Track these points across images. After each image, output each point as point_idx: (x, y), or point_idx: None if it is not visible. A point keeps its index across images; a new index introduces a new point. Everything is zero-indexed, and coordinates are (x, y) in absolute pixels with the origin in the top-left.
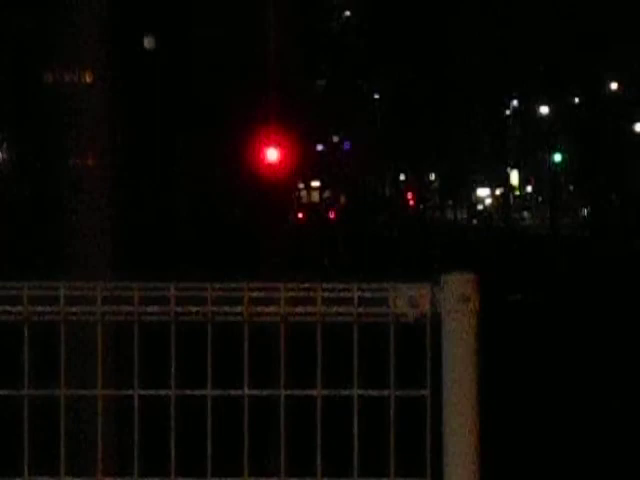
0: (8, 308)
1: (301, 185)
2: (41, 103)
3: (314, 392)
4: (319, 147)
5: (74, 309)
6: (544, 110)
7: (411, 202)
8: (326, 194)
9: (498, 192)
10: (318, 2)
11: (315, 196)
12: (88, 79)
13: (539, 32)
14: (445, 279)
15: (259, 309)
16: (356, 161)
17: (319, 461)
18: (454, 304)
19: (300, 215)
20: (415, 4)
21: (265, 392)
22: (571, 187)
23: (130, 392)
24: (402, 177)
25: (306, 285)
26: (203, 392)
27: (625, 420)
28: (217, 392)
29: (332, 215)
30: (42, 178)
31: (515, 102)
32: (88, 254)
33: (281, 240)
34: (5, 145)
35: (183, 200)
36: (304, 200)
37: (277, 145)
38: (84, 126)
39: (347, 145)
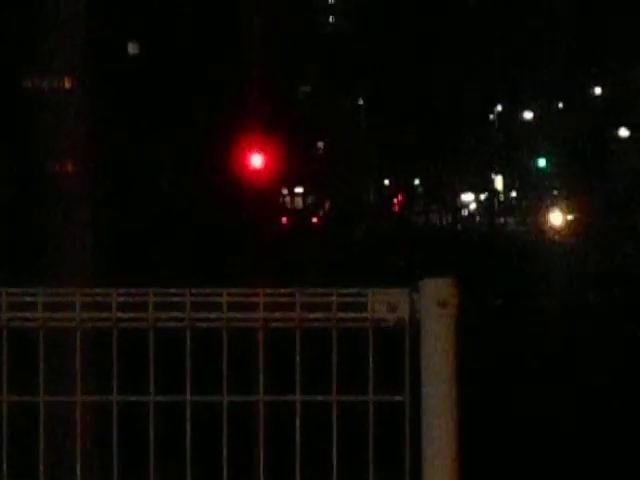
0: None
1: (285, 191)
2: (20, 108)
3: (293, 398)
4: (303, 153)
5: (53, 315)
6: (528, 115)
7: (396, 208)
8: (309, 200)
9: (482, 197)
10: (303, 7)
11: (299, 202)
12: (67, 85)
13: (524, 38)
14: (423, 284)
15: (238, 315)
16: (340, 167)
17: (298, 467)
18: (432, 309)
19: (284, 220)
20: (401, 9)
21: (243, 398)
22: (555, 192)
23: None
24: (386, 182)
25: (285, 290)
26: (182, 398)
27: (608, 425)
28: (197, 398)
29: (315, 220)
30: (21, 183)
31: (499, 107)
32: (66, 259)
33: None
34: None
35: (166, 206)
36: (288, 206)
37: (261, 151)
38: (64, 132)
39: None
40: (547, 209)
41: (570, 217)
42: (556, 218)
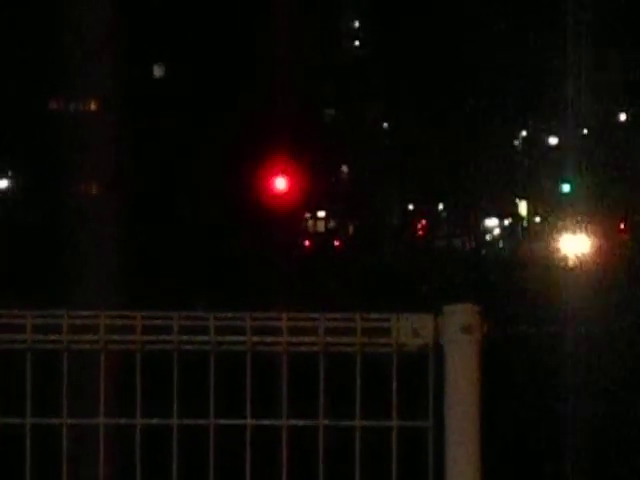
0: (12, 336)
1: (308, 215)
2: (47, 131)
3: (317, 422)
4: (327, 177)
5: (77, 337)
6: (553, 141)
7: (420, 232)
8: (331, 224)
9: (507, 222)
10: (328, 31)
11: (321, 226)
12: (94, 107)
13: (548, 64)
14: (447, 309)
15: (262, 339)
16: (364, 191)
17: None
18: (456, 334)
19: (307, 243)
20: (424, 34)
21: (267, 422)
22: (579, 217)
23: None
24: (411, 207)
25: (309, 315)
26: (206, 422)
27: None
28: (220, 421)
29: (337, 243)
30: (48, 205)
31: (524, 132)
32: (93, 280)
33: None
34: (10, 173)
35: (191, 228)
36: (310, 229)
37: (285, 174)
38: (90, 154)
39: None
40: (569, 235)
41: (592, 243)
42: (578, 244)
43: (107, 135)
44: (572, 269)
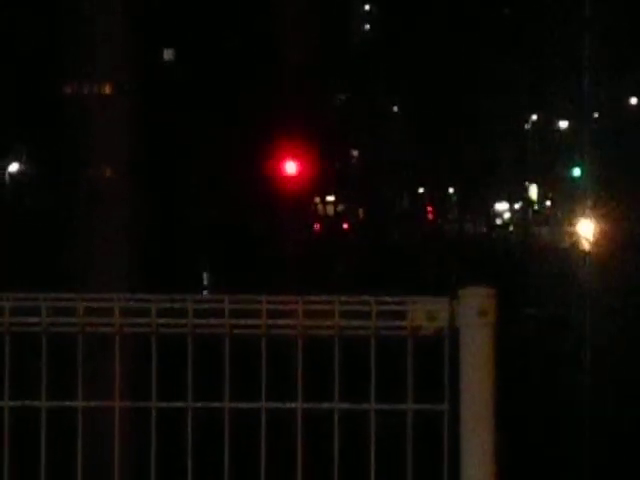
0: (26, 319)
1: (317, 199)
2: (61, 115)
3: (331, 405)
4: (338, 161)
5: (91, 320)
6: (563, 124)
7: (430, 216)
8: (340, 207)
9: (517, 206)
10: (339, 15)
11: (330, 210)
12: (107, 91)
13: (559, 49)
14: (463, 293)
15: (277, 322)
16: (374, 175)
17: (336, 474)
18: (472, 318)
19: (317, 226)
20: (436, 19)
21: (281, 405)
22: (589, 202)
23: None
24: (421, 190)
25: (324, 298)
26: (219, 405)
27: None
28: (235, 405)
29: (346, 226)
30: (62, 189)
31: (534, 116)
32: (107, 264)
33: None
34: (24, 157)
35: (202, 210)
36: (320, 213)
37: (296, 158)
38: (104, 137)
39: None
40: (579, 219)
41: (600, 227)
42: (586, 228)
43: (120, 119)
44: (581, 253)
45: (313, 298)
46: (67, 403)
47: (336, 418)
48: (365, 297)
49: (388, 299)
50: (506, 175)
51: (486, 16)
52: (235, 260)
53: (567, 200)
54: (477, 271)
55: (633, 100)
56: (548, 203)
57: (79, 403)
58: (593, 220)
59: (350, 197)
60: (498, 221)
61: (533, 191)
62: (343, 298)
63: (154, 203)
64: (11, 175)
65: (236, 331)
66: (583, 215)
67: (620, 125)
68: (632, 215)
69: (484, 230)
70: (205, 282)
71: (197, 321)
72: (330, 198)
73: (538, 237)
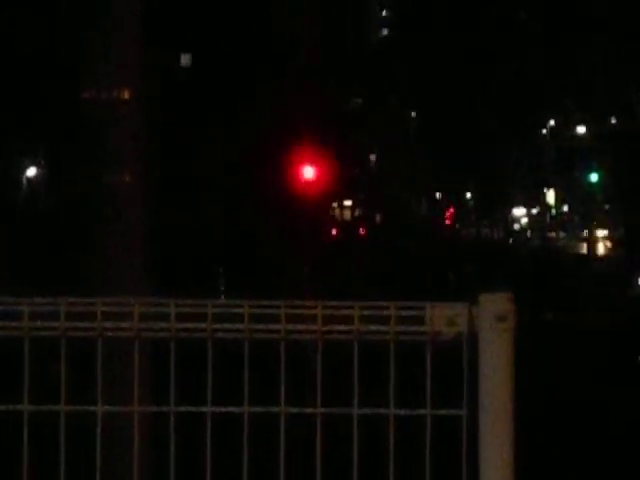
0: (43, 324)
1: (335, 204)
2: (78, 120)
3: (350, 410)
4: (355, 166)
5: (110, 325)
6: (581, 130)
7: (447, 221)
8: (357, 213)
9: (534, 211)
10: (356, 20)
11: (347, 214)
12: (125, 96)
13: (576, 53)
14: (482, 298)
15: (295, 327)
16: (392, 179)
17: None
18: (491, 323)
19: (334, 231)
20: (453, 25)
21: (300, 410)
22: (606, 206)
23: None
24: (438, 195)
25: (343, 303)
26: (240, 409)
27: None
28: (253, 409)
29: (362, 231)
30: (78, 194)
31: (552, 122)
32: (123, 270)
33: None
34: (42, 161)
35: (219, 216)
36: (337, 218)
37: (313, 163)
38: (120, 143)
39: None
40: (594, 224)
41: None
42: (605, 234)
43: (136, 124)
44: (599, 258)
45: (332, 303)
46: (86, 407)
47: (355, 423)
48: (384, 302)
49: (407, 304)
50: (524, 180)
51: (504, 21)
52: (252, 265)
53: (584, 205)
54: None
55: None
56: (565, 208)
57: (99, 408)
58: (610, 225)
59: (367, 202)
60: (516, 226)
61: (551, 196)
62: (362, 303)
63: (172, 209)
64: (28, 179)
65: (255, 336)
66: (600, 220)
67: (637, 130)
68: None
69: (501, 235)
70: (222, 287)
71: (216, 326)
72: (347, 203)
73: (555, 242)
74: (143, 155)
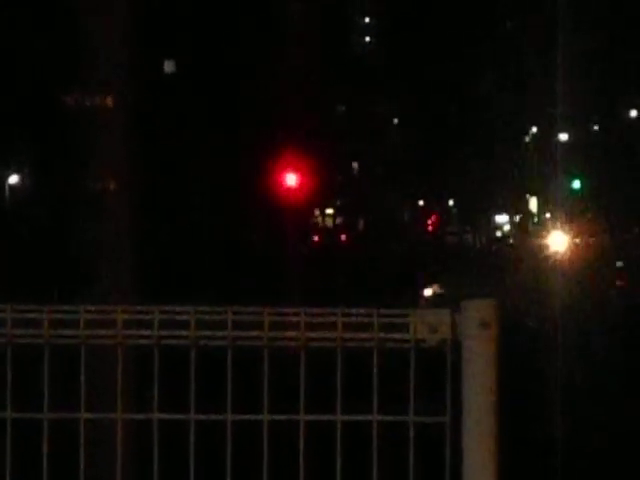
0: (28, 331)
1: (317, 212)
2: (62, 126)
3: (334, 417)
4: (338, 173)
5: (94, 332)
6: (563, 137)
7: (430, 228)
8: (338, 220)
9: (517, 219)
10: (338, 27)
11: (329, 222)
12: (108, 103)
13: (558, 60)
14: (465, 305)
15: (279, 334)
16: (374, 187)
17: None
18: (474, 330)
19: (316, 238)
20: (435, 31)
21: (284, 417)
22: (589, 214)
23: (186, 417)
24: (421, 203)
25: (326, 310)
26: (222, 417)
27: None
28: (238, 417)
29: (344, 238)
30: (62, 201)
31: (534, 129)
32: (108, 276)
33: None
34: (25, 168)
35: (203, 223)
36: (320, 225)
37: (296, 170)
38: (104, 149)
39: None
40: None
41: (575, 240)
42: (558, 241)
43: (120, 131)
44: (580, 265)
45: (315, 310)
46: (69, 415)
47: (339, 430)
48: (367, 309)
49: (390, 311)
50: (506, 187)
51: (488, 29)
52: (235, 272)
53: (566, 212)
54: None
55: (633, 113)
56: (548, 215)
57: (81, 415)
58: (592, 232)
59: (350, 209)
60: (498, 233)
61: (533, 203)
62: (345, 310)
63: (154, 216)
64: (11, 187)
65: (238, 343)
66: (583, 228)
67: (620, 137)
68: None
69: (484, 242)
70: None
71: (200, 333)
72: (329, 211)
73: (538, 249)
74: (126, 162)
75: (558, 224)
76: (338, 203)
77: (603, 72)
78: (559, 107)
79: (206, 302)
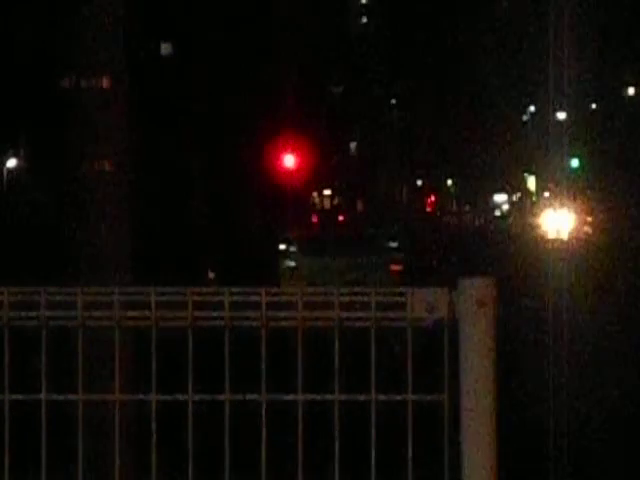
0: (26, 313)
1: (315, 194)
2: (58, 108)
3: (332, 397)
4: (336, 154)
5: (92, 314)
6: (561, 116)
7: (428, 208)
8: (336, 201)
9: (515, 198)
10: (335, 8)
11: (327, 203)
12: (105, 84)
13: (554, 38)
14: (462, 284)
15: (276, 314)
16: (372, 167)
17: (337, 466)
18: (471, 308)
19: (315, 219)
20: (433, 12)
21: (281, 397)
22: (588, 192)
23: (184, 398)
24: (419, 183)
25: (323, 289)
26: (221, 397)
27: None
28: (235, 397)
29: (341, 218)
30: (58, 183)
31: (532, 108)
32: (105, 259)
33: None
34: (22, 152)
35: (201, 205)
36: (318, 206)
37: (294, 152)
38: (101, 131)
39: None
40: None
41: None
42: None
43: (117, 114)
44: (577, 245)
45: (312, 290)
46: (66, 396)
47: (336, 409)
48: (364, 288)
49: (388, 290)
50: (504, 166)
51: (484, 7)
52: (235, 254)
53: (565, 191)
54: (476, 262)
55: (630, 90)
56: (546, 194)
57: (79, 396)
58: (591, 211)
59: (348, 190)
60: (497, 212)
61: (531, 182)
62: (343, 290)
63: (151, 198)
64: (9, 170)
65: (236, 323)
66: (582, 206)
67: (618, 115)
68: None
69: (482, 222)
70: (211, 277)
71: (197, 313)
72: (327, 192)
73: (536, 228)
74: (125, 144)
75: (557, 203)
76: (336, 184)
77: (600, 51)
78: (557, 86)
79: (203, 284)
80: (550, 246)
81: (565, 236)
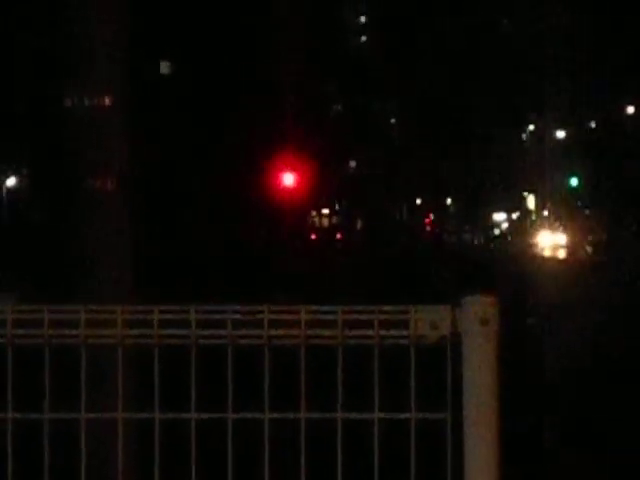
0: (29, 331)
1: (313, 213)
2: (58, 127)
3: (335, 415)
4: (335, 172)
5: (94, 332)
6: (560, 134)
7: (428, 228)
8: (334, 220)
9: (514, 216)
10: (335, 27)
11: (325, 222)
12: (105, 102)
13: (556, 57)
14: (465, 301)
15: (279, 332)
16: (372, 185)
17: None
18: (474, 326)
19: (313, 237)
20: (431, 30)
21: (285, 415)
22: (587, 211)
23: (187, 416)
24: (419, 201)
25: (327, 308)
26: (222, 415)
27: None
28: (238, 415)
29: (339, 236)
30: (59, 202)
31: (531, 126)
32: (106, 277)
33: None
34: (24, 171)
35: (201, 222)
36: (316, 225)
37: (293, 170)
38: (101, 150)
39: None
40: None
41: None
42: (585, 238)
43: (117, 133)
44: (579, 262)
45: (316, 308)
46: (68, 415)
47: (339, 427)
48: (367, 307)
49: (391, 308)
50: (504, 185)
51: (482, 26)
52: (235, 272)
53: (564, 209)
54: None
55: (630, 109)
56: (545, 213)
57: (81, 415)
58: (591, 229)
59: (347, 208)
60: (496, 231)
61: (531, 201)
62: (346, 307)
63: (152, 216)
64: (9, 190)
65: (239, 342)
66: (582, 225)
67: (618, 134)
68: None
69: (482, 241)
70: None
71: (200, 332)
72: (325, 211)
73: (535, 246)
74: (126, 163)
75: (557, 223)
76: (336, 205)
77: (600, 70)
78: (556, 104)
79: (205, 301)
80: (549, 264)
81: (564, 255)
